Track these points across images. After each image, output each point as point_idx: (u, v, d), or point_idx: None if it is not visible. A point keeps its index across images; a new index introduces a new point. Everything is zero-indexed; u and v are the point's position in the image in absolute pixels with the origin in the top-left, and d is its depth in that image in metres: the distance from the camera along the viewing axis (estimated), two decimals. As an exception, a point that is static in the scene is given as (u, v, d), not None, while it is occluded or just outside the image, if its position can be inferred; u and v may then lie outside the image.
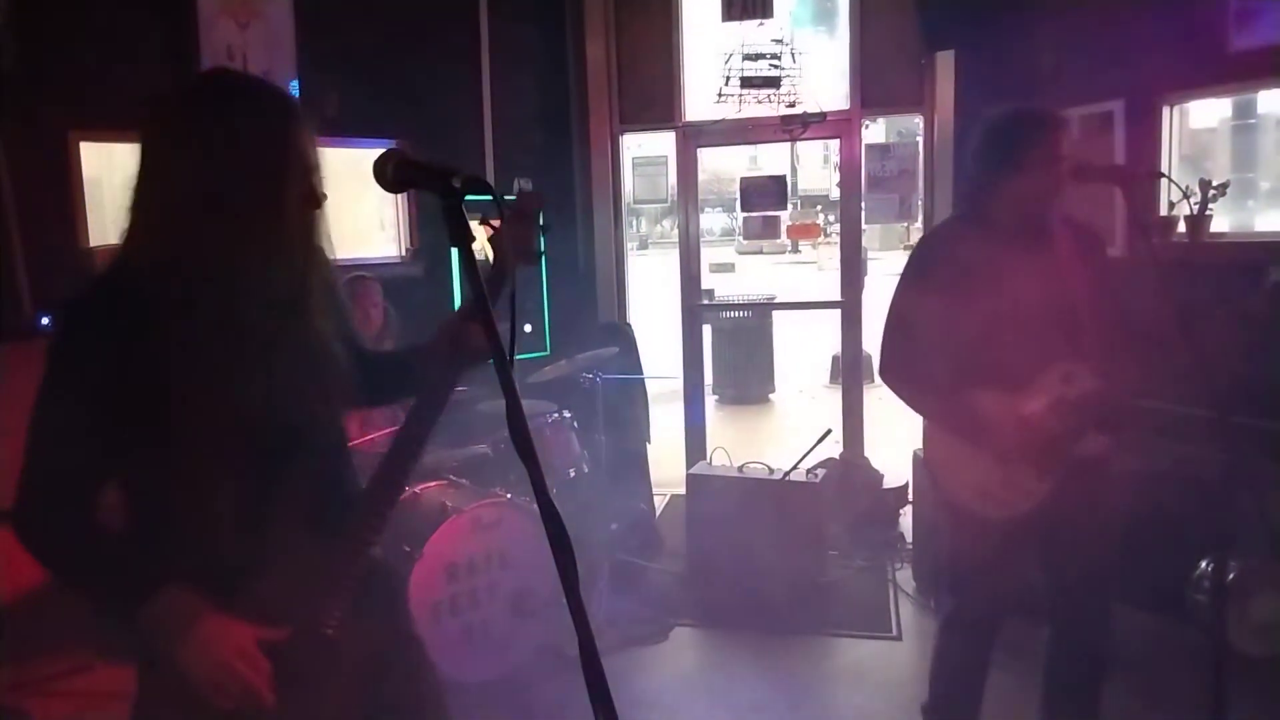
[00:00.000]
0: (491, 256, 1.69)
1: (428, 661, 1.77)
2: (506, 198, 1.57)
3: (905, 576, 4.46)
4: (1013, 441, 2.40)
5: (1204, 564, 3.63)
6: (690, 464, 5.26)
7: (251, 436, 1.45)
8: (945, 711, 2.78)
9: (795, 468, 4.41)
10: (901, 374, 2.53)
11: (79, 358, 1.43)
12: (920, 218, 5.52)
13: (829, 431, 4.49)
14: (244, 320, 1.43)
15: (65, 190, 3.98)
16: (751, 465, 4.58)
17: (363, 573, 1.53)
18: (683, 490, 4.82)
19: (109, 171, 4.49)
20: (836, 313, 5.69)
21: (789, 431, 7.75)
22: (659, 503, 5.50)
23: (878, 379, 2.86)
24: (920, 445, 2.80)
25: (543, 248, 1.75)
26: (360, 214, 5.36)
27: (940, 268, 2.50)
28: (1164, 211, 4.18)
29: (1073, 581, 2.56)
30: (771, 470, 4.49)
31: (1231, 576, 3.42)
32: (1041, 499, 2.44)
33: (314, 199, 1.49)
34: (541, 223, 1.74)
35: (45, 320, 3.64)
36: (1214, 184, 3.99)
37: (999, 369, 2.41)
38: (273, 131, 1.43)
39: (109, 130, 4.15)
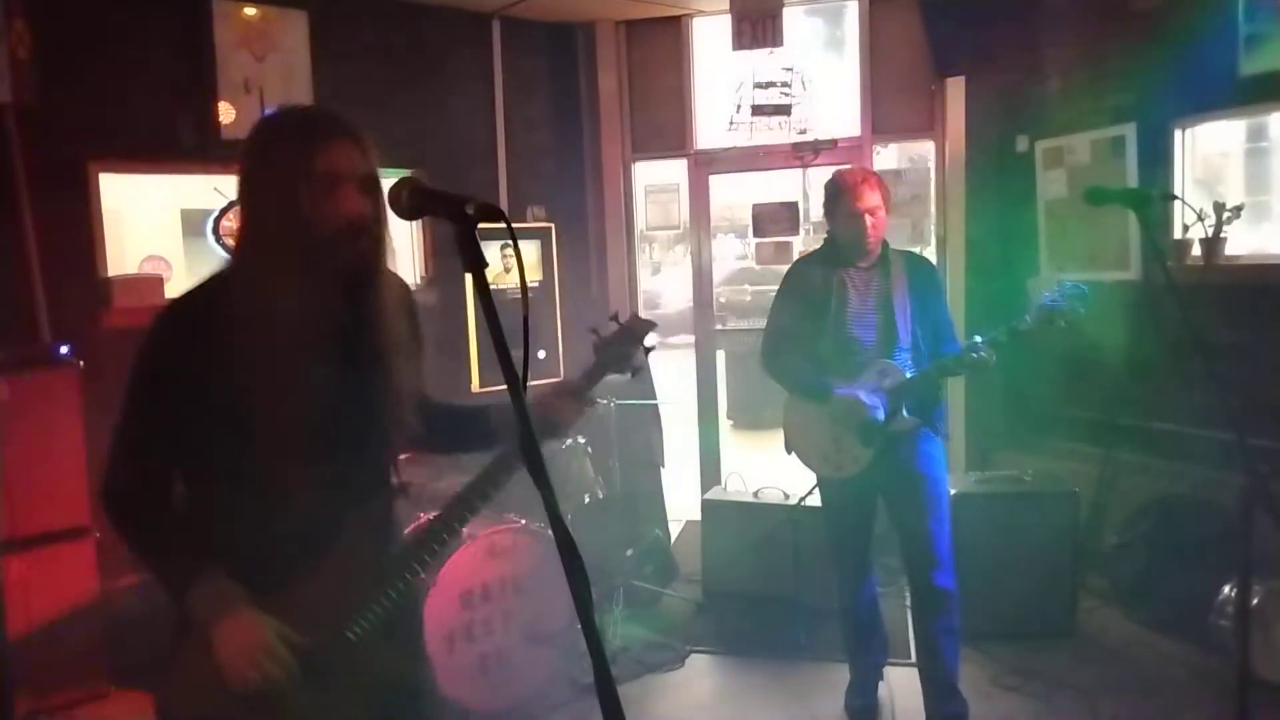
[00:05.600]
0: (594, 359, 1.90)
1: (434, 685, 1.91)
2: (621, 319, 1.88)
3: (922, 603, 4.42)
4: (845, 413, 3.10)
5: (1227, 589, 3.59)
6: (705, 489, 5.24)
7: (299, 452, 1.57)
8: (852, 642, 3.51)
9: (810, 493, 4.38)
10: (774, 362, 3.33)
11: (157, 354, 1.59)
12: (933, 242, 5.52)
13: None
14: (297, 338, 1.56)
15: (84, 221, 4.03)
16: (766, 490, 4.56)
17: (400, 599, 1.68)
18: (698, 516, 4.80)
19: (128, 202, 4.55)
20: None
21: (803, 457, 7.72)
22: (674, 528, 5.47)
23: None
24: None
25: (644, 363, 1.93)
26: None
27: (798, 287, 3.30)
28: (1178, 234, 4.17)
29: (909, 529, 3.24)
30: (787, 495, 4.47)
31: (1255, 602, 3.38)
32: (865, 463, 3.16)
33: (340, 217, 1.56)
34: (647, 344, 1.91)
35: (64, 350, 3.66)
36: (1228, 207, 3.98)
37: (837, 361, 3.19)
38: (277, 145, 1.58)
39: (128, 161, 4.21)
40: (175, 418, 1.57)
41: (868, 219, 3.12)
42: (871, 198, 3.12)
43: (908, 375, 3.13)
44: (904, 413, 3.13)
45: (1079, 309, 2.94)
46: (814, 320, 3.22)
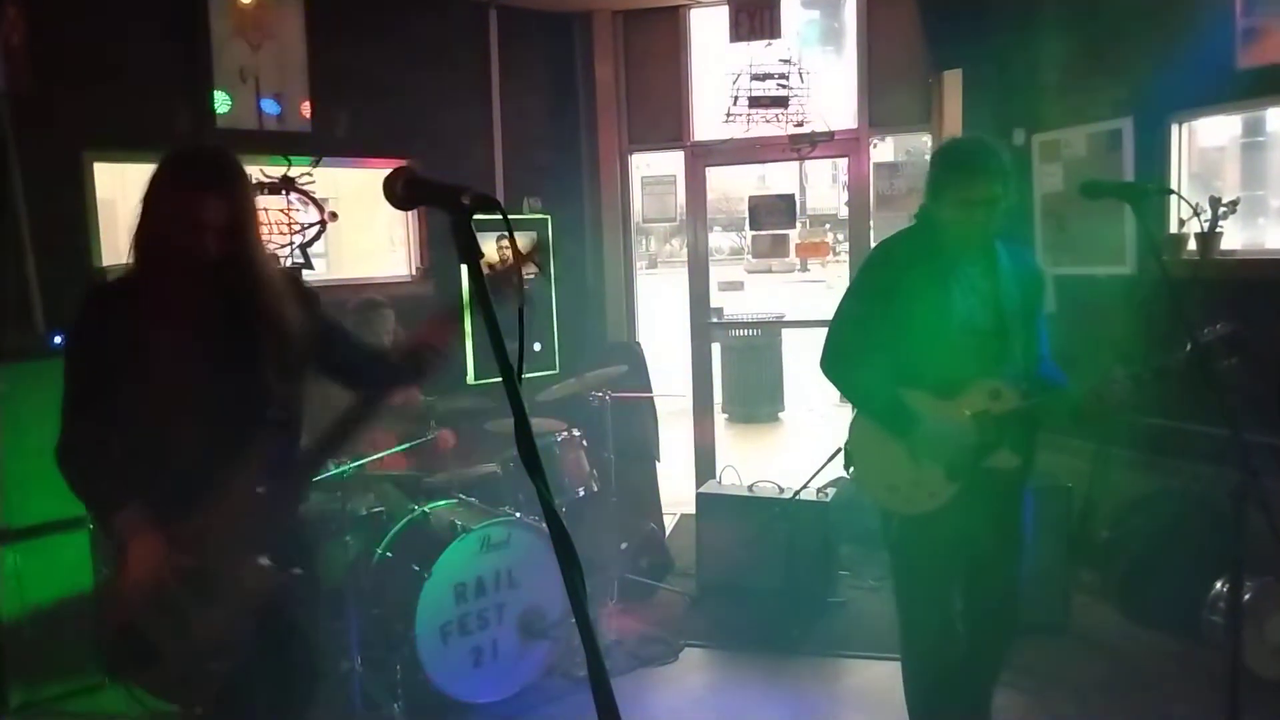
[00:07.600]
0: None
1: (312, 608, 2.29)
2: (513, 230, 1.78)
3: (916, 596, 4.43)
4: (932, 442, 2.55)
5: (1219, 584, 3.60)
6: (700, 483, 5.25)
7: (186, 414, 1.96)
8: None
9: (805, 487, 4.39)
10: (844, 370, 2.69)
11: (77, 335, 2.04)
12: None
13: (839, 450, 4.47)
14: (178, 324, 1.96)
15: (79, 211, 4.02)
16: (761, 484, 4.56)
17: (280, 528, 2.07)
18: (692, 509, 4.80)
19: (122, 192, 4.52)
20: (846, 331, 5.67)
21: (798, 450, 7.73)
22: (668, 522, 5.48)
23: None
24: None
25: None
26: (370, 232, 5.40)
27: (889, 279, 2.63)
28: (1174, 228, 4.18)
29: (993, 591, 2.72)
30: (781, 489, 4.48)
31: (1247, 597, 3.39)
32: (945, 501, 2.58)
33: (185, 238, 1.92)
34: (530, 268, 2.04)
35: (58, 339, 3.65)
36: (1224, 201, 3.99)
37: (933, 374, 2.58)
38: (159, 188, 1.99)
39: (123, 151, 4.19)
40: (100, 382, 1.96)
41: (981, 212, 2.49)
42: (991, 186, 2.47)
43: (1021, 403, 2.56)
44: (1007, 447, 2.58)
45: (1233, 360, 2.41)
46: (908, 323, 2.56)
